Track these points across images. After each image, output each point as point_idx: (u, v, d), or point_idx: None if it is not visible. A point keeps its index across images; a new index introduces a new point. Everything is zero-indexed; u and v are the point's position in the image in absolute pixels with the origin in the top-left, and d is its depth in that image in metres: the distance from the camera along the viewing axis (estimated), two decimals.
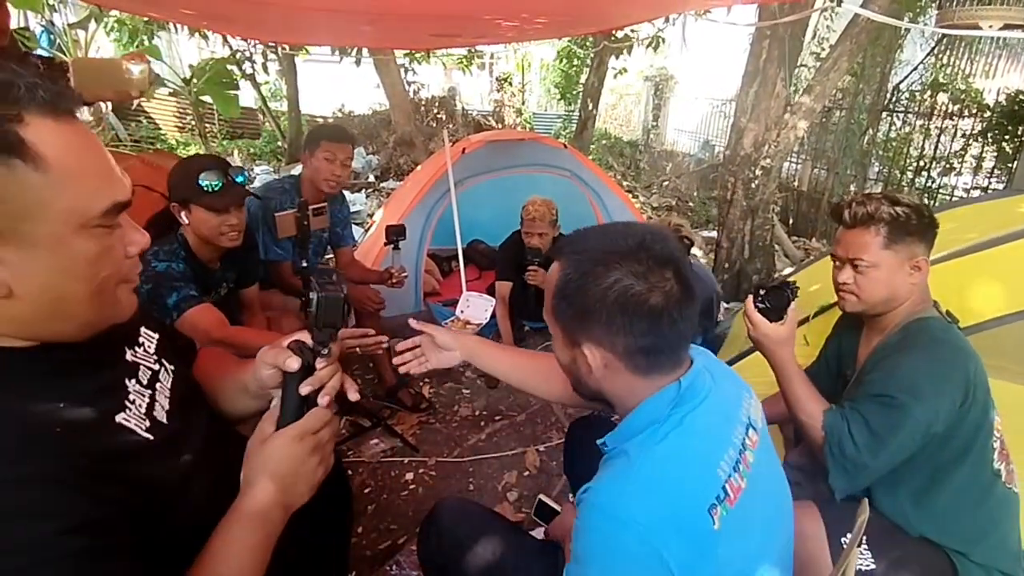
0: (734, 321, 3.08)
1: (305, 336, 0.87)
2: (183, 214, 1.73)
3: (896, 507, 1.34)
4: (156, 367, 0.86)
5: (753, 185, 3.75)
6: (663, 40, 6.79)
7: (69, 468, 0.63)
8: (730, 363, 2.03)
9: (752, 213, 3.80)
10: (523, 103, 10.77)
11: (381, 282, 2.69)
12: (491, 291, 3.78)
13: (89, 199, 0.64)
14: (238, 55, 7.83)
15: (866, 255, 1.36)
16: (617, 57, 7.42)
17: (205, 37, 7.01)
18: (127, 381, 0.79)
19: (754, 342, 1.42)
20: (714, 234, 5.21)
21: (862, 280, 1.38)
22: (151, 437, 0.76)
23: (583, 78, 9.75)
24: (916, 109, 6.06)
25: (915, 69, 6.68)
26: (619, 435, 0.88)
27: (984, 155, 5.51)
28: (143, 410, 0.78)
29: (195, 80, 7.48)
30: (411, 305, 3.52)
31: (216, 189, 1.70)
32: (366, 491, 2.18)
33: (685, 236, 2.89)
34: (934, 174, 5.75)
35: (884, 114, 6.39)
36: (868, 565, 1.28)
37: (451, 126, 8.22)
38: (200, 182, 1.68)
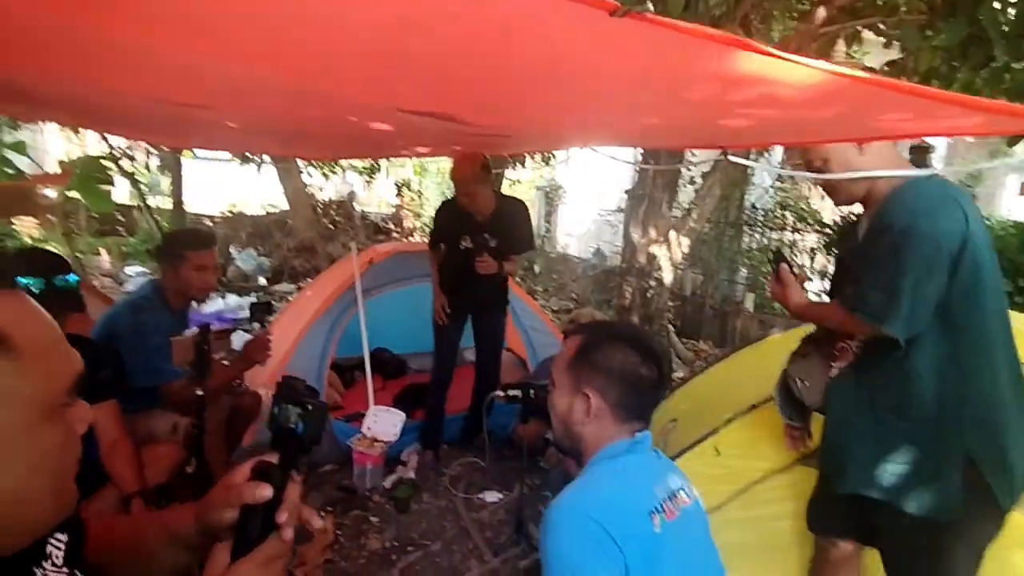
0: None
1: (272, 456, 0.76)
2: None
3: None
4: None
5: (648, 295, 4.03)
6: (553, 155, 7.40)
7: None
8: None
9: (649, 320, 4.05)
10: (422, 207, 11.01)
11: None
12: (397, 402, 3.62)
13: (57, 377, 0.55)
14: (115, 151, 7.38)
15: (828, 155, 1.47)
16: (514, 168, 7.94)
17: (76, 131, 6.56)
18: None
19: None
20: None
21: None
22: None
23: None
24: (770, 224, 6.97)
25: (767, 192, 7.74)
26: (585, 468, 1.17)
27: (828, 266, 6.38)
28: None
29: None
30: None
31: (36, 294, 1.44)
32: None
33: None
34: None
35: (746, 228, 7.28)
36: None
37: (350, 230, 8.16)
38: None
